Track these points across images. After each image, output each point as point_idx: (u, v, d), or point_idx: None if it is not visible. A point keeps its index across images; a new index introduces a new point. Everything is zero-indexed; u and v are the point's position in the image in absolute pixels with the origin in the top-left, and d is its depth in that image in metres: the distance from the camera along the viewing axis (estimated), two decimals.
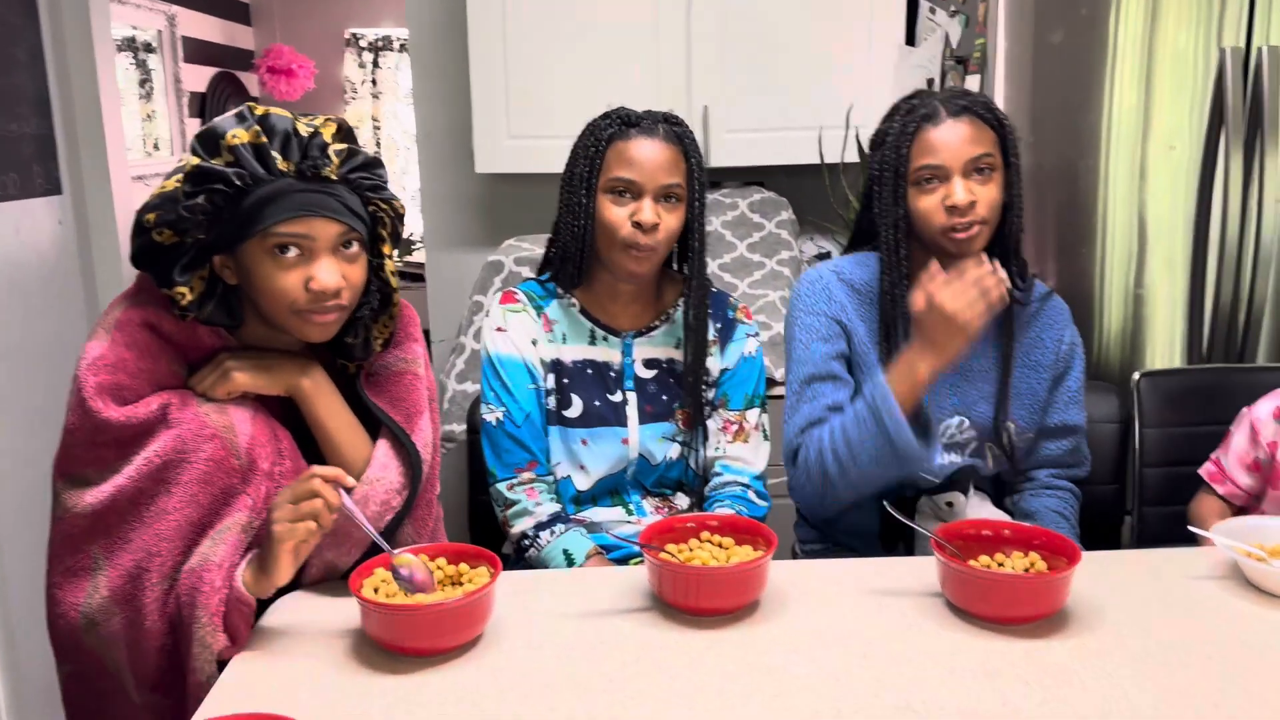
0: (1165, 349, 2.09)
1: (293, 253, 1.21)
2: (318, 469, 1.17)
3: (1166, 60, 1.98)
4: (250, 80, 5.82)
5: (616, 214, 1.54)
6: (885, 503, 1.41)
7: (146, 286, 1.28)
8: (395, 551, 1.22)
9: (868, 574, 1.36)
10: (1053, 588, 1.19)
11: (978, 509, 1.63)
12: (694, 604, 1.23)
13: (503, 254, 2.59)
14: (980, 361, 1.63)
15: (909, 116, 1.52)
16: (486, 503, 1.79)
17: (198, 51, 5.14)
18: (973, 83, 2.21)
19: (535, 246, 2.61)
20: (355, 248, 1.26)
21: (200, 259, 1.23)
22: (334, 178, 1.23)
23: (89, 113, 2.62)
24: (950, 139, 1.49)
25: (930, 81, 2.49)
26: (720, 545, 1.32)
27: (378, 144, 6.39)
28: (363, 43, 6.20)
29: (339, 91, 6.21)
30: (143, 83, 4.58)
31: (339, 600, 1.27)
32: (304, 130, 1.21)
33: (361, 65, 6.32)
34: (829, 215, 2.75)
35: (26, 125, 2.41)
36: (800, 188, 2.83)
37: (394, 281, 1.35)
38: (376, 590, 1.18)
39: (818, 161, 2.60)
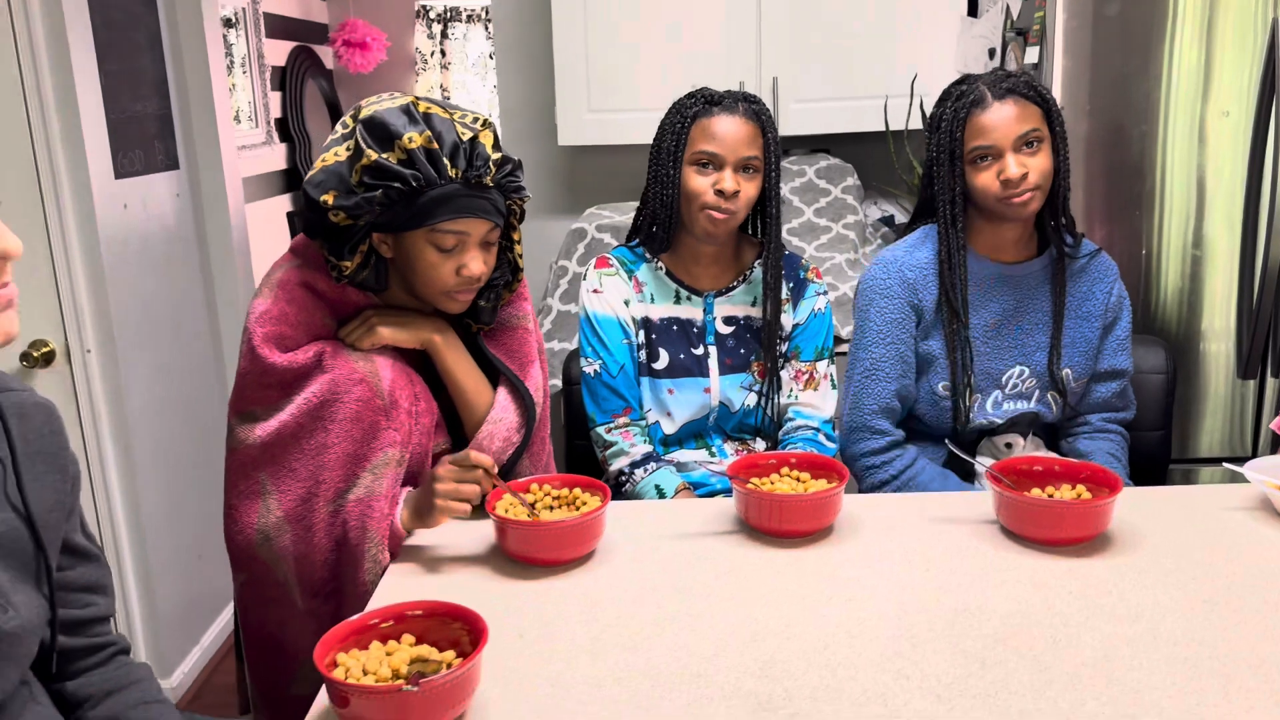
0: (1222, 307, 2.21)
1: (450, 245, 1.41)
2: (480, 457, 1.36)
3: (1227, 28, 2.09)
4: (325, 54, 6.03)
5: (700, 183, 1.71)
6: (948, 442, 1.57)
7: (302, 249, 1.49)
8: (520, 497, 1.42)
9: (930, 505, 1.53)
10: (1096, 512, 1.35)
11: (1034, 452, 1.78)
12: (776, 527, 1.41)
13: (585, 222, 2.77)
14: (1037, 315, 1.77)
15: (959, 103, 1.67)
16: (582, 446, 1.99)
17: (277, 26, 5.36)
18: (1032, 54, 2.32)
19: (615, 214, 2.78)
20: (496, 238, 1.47)
21: (363, 235, 1.42)
22: (490, 184, 1.42)
23: (201, 91, 2.83)
24: (998, 120, 1.64)
25: (991, 52, 2.60)
26: (798, 479, 1.49)
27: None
28: (432, 14, 6.38)
29: (410, 64, 6.40)
30: (225, 56, 4.80)
31: (469, 523, 1.49)
32: (465, 135, 1.38)
33: (431, 36, 6.50)
34: (893, 180, 2.88)
35: (149, 105, 2.63)
36: (865, 154, 2.96)
37: (520, 261, 1.57)
38: (507, 511, 1.38)
39: (882, 129, 2.73)
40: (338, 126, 1.43)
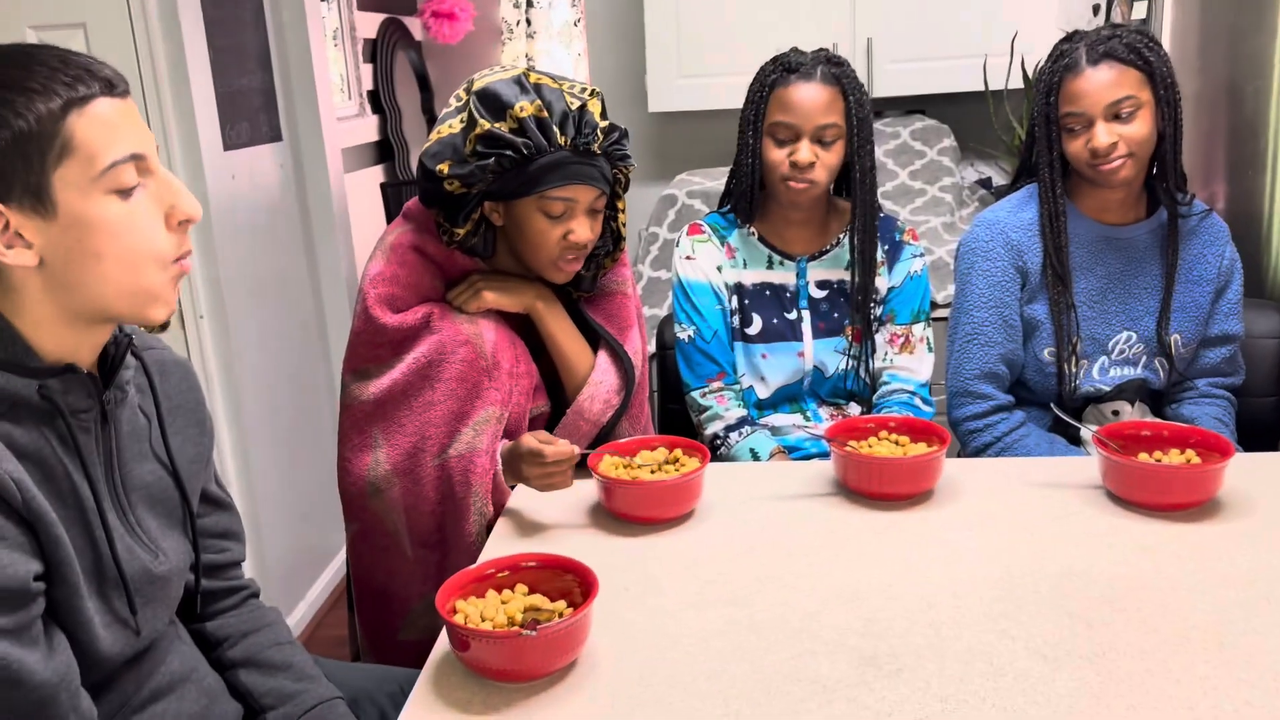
0: None
1: (559, 212, 1.44)
2: (561, 450, 1.36)
3: None
4: (414, 24, 6.12)
5: (777, 155, 1.71)
6: (1053, 406, 1.55)
7: (414, 214, 1.54)
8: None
9: (1034, 470, 1.52)
10: (1206, 477, 1.33)
11: (1140, 418, 1.75)
12: (876, 489, 1.41)
13: (675, 188, 2.78)
14: (1146, 278, 1.73)
15: (1054, 66, 1.64)
16: (676, 410, 2.02)
17: None
18: (1139, 9, 2.24)
19: (706, 180, 2.78)
20: (602, 205, 1.50)
21: (476, 203, 1.47)
22: (598, 152, 1.45)
23: (301, 65, 2.91)
24: (1090, 87, 1.60)
25: (1096, 8, 2.52)
26: (897, 442, 1.49)
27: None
28: None
29: (496, 33, 6.45)
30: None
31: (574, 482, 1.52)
32: (574, 104, 1.43)
33: (516, 5, 6.53)
34: (991, 141, 2.83)
35: (254, 79, 2.71)
36: (962, 115, 2.91)
37: (624, 231, 1.60)
38: (611, 471, 1.41)
39: (980, 89, 2.67)
40: (451, 100, 1.48)
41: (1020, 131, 2.68)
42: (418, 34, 5.70)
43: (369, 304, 1.48)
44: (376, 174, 4.16)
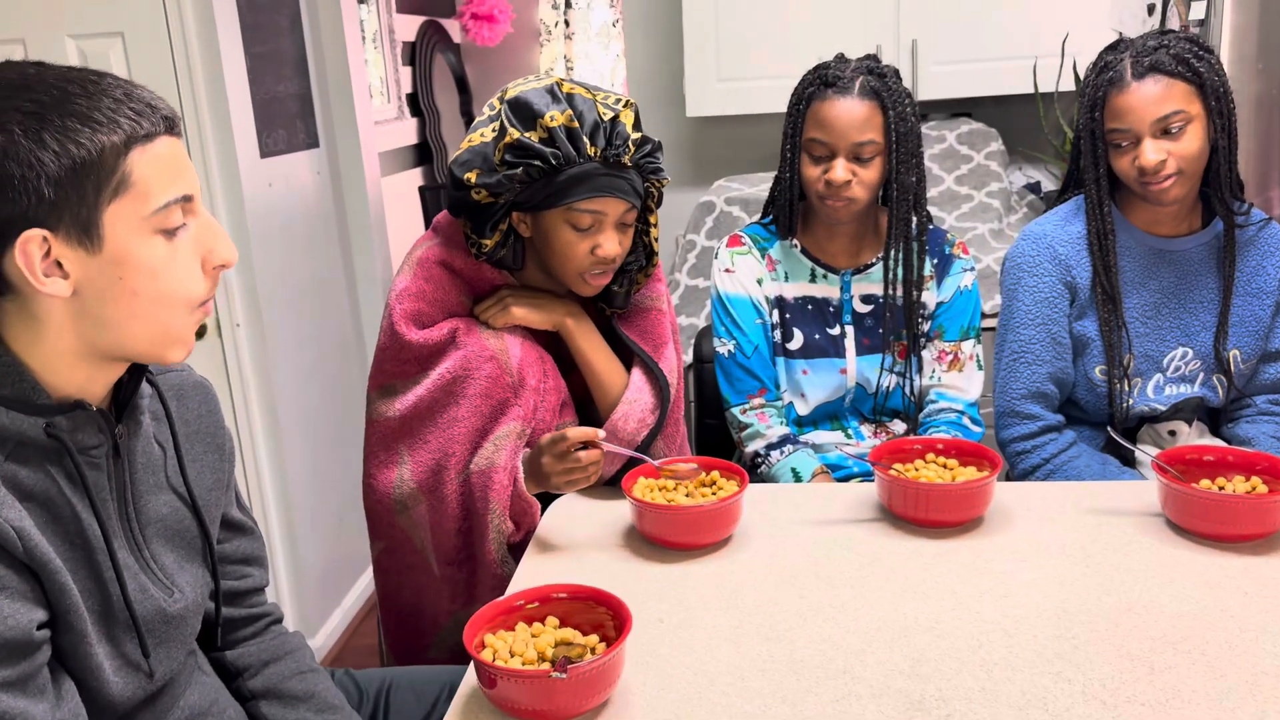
0: None
1: (586, 224, 1.41)
2: (572, 435, 1.34)
3: None
4: (453, 27, 6.12)
5: (813, 171, 1.65)
6: (1110, 429, 1.48)
7: (442, 228, 1.51)
8: (659, 464, 1.40)
9: (1089, 495, 1.45)
10: (1274, 507, 1.25)
11: (1198, 439, 1.67)
12: (924, 516, 1.36)
13: (713, 194, 2.73)
14: (1201, 292, 1.65)
15: (1099, 78, 1.56)
16: (714, 425, 1.97)
17: (406, 1, 5.46)
18: (1198, 9, 2.16)
19: (745, 186, 2.73)
20: (632, 220, 1.46)
21: (504, 214, 1.44)
22: (629, 164, 1.41)
23: (339, 70, 2.90)
24: (1135, 104, 1.52)
25: (1150, 8, 2.44)
26: (945, 466, 1.43)
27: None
28: None
29: (534, 35, 6.43)
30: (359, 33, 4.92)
31: (605, 503, 1.49)
32: (606, 115, 1.39)
33: (555, 6, 6.51)
34: (1040, 145, 2.74)
35: (290, 85, 2.70)
36: (1009, 117, 2.83)
37: (656, 246, 1.55)
38: (645, 495, 1.37)
39: (1029, 91, 2.59)
40: (484, 108, 1.45)
41: (1071, 135, 2.59)
42: (456, 36, 5.70)
43: (395, 320, 1.46)
44: (415, 177, 4.15)
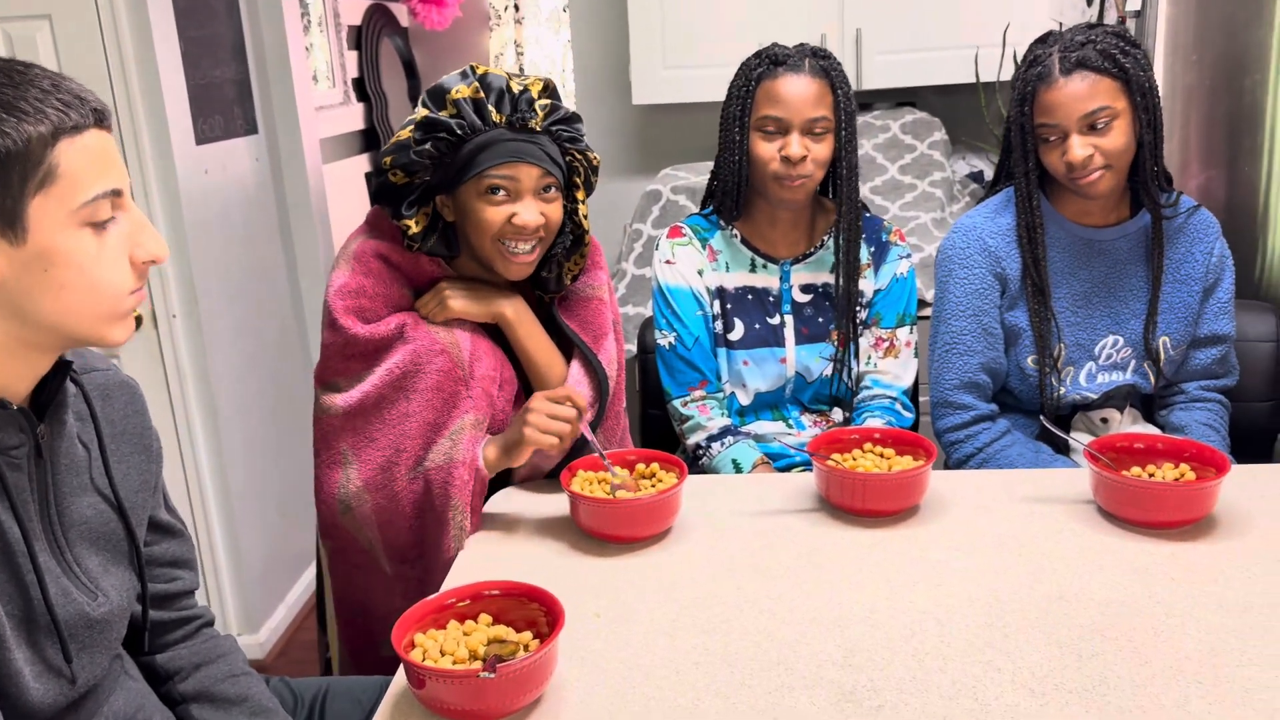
0: None
1: (501, 194, 1.39)
2: (575, 395, 1.37)
3: None
4: (400, 10, 6.03)
5: (766, 149, 1.65)
6: (1043, 418, 1.50)
7: (377, 222, 1.49)
8: (614, 471, 1.39)
9: (1023, 483, 1.47)
10: (1201, 495, 1.28)
11: (1131, 426, 1.70)
12: (860, 506, 1.36)
13: (660, 183, 2.72)
14: (1131, 280, 1.68)
15: (1027, 74, 1.58)
16: (657, 415, 1.96)
17: None
18: (1134, 1, 2.18)
19: (691, 175, 2.72)
20: (553, 191, 1.44)
21: (425, 198, 1.43)
22: (538, 129, 1.40)
23: (278, 54, 2.84)
24: (1063, 99, 1.53)
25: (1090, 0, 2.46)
26: (882, 455, 1.44)
27: (521, 70, 6.53)
28: None
29: (484, 18, 6.36)
30: (301, 16, 4.82)
31: (545, 496, 1.48)
32: (515, 87, 1.39)
33: None
34: (982, 134, 2.77)
35: (228, 71, 2.64)
36: (953, 107, 2.85)
37: (586, 224, 1.52)
38: (583, 488, 1.36)
39: (972, 80, 2.61)
40: (419, 107, 1.44)
41: None
42: (404, 20, 5.62)
43: (336, 315, 1.43)
44: (362, 163, 4.09)
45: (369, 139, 4.16)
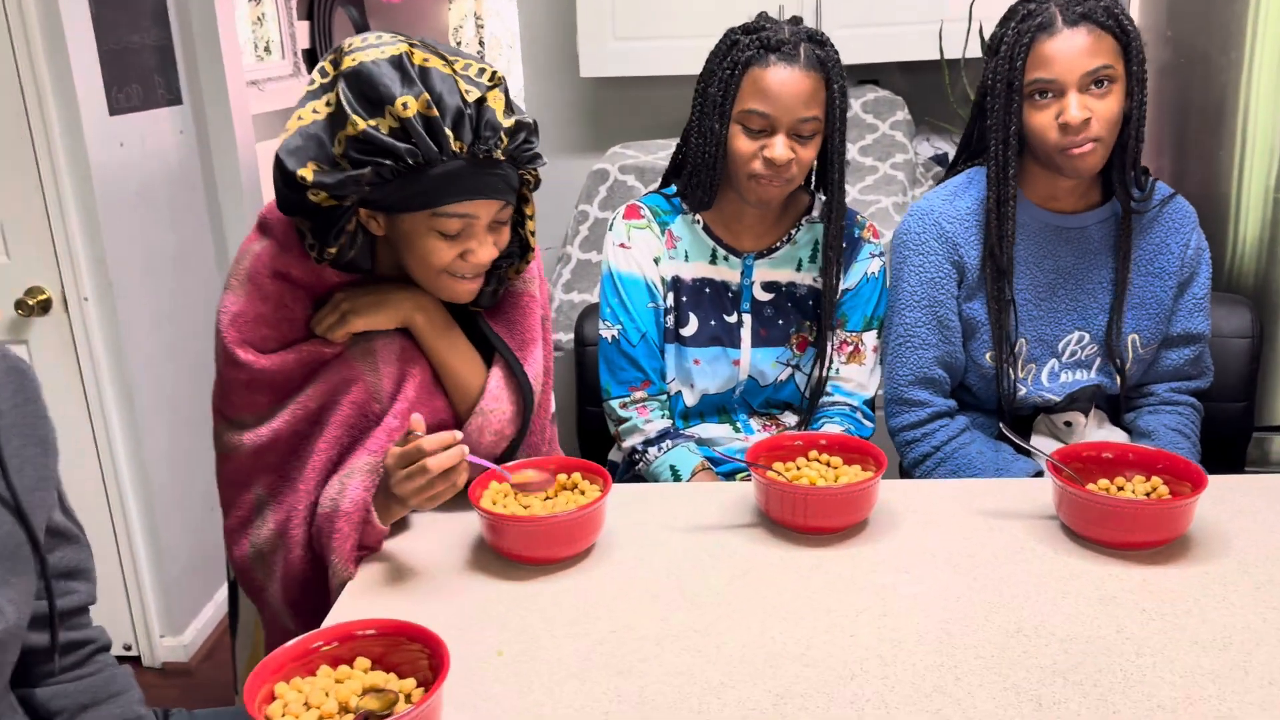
0: None
1: (455, 229, 1.20)
2: (426, 443, 1.12)
3: None
4: None
5: (747, 146, 1.48)
6: (1002, 425, 1.38)
7: (273, 226, 1.28)
8: (512, 478, 1.24)
9: (980, 494, 1.35)
10: (1175, 514, 1.16)
11: (1096, 429, 1.58)
12: (802, 522, 1.23)
13: (608, 162, 2.57)
14: (1099, 272, 1.56)
15: (1024, 24, 1.43)
16: (594, 413, 1.82)
17: None
18: None
19: (641, 154, 2.58)
20: (507, 216, 1.26)
21: (350, 212, 1.20)
22: (501, 158, 1.19)
23: (205, 21, 2.65)
24: (1066, 50, 1.39)
25: None
26: (828, 464, 1.32)
27: (481, 43, 6.33)
28: None
29: None
30: None
31: (456, 513, 1.32)
32: (470, 96, 1.16)
33: None
34: (947, 115, 2.64)
35: (147, 36, 2.46)
36: (917, 85, 2.72)
37: (532, 240, 1.34)
38: (495, 503, 1.22)
39: (936, 57, 2.48)
40: (314, 74, 1.20)
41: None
42: None
43: (231, 346, 1.23)
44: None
45: None
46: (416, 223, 1.20)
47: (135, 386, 2.35)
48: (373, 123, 1.12)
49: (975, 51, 2.46)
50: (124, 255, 2.31)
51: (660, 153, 2.60)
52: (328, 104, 1.16)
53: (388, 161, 1.13)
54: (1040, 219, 1.53)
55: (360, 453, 1.24)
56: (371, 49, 1.16)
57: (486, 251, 1.23)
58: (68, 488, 1.05)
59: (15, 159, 2.15)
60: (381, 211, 1.20)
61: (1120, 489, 1.25)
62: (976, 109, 1.56)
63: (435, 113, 1.13)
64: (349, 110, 1.12)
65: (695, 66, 2.54)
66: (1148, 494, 1.24)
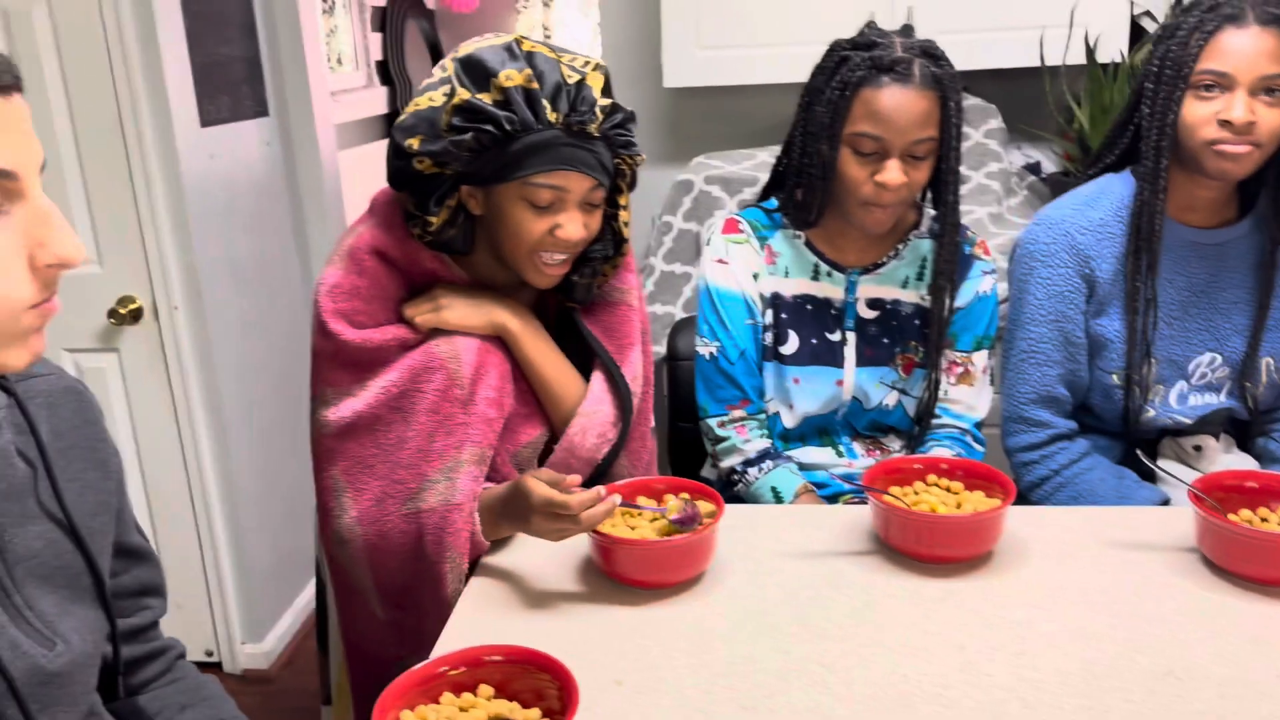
0: None
1: (546, 201, 1.21)
2: (574, 502, 1.08)
3: None
4: None
5: (858, 171, 1.41)
6: (1138, 450, 1.31)
7: (379, 208, 1.31)
8: (665, 510, 1.21)
9: (1109, 524, 1.28)
10: None
11: (1225, 455, 1.50)
12: (926, 552, 1.18)
13: (692, 173, 2.54)
14: (1234, 291, 1.48)
15: (1211, 13, 1.35)
16: (686, 429, 1.79)
17: None
18: None
19: (726, 164, 2.54)
20: (599, 199, 1.26)
21: (452, 187, 1.24)
22: (596, 134, 1.21)
23: (290, 33, 2.68)
24: (1248, 47, 1.32)
25: None
26: (949, 490, 1.26)
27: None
28: None
29: (512, 1, 6.19)
30: None
31: None
32: (571, 78, 1.19)
33: None
34: (1043, 123, 2.56)
35: (235, 49, 2.49)
36: (1010, 93, 2.64)
37: (626, 232, 1.34)
38: (608, 527, 1.18)
39: (1034, 64, 2.40)
40: (435, 70, 1.25)
41: (1079, 115, 2.41)
42: (430, 2, 5.47)
43: (325, 317, 1.25)
44: (383, 149, 3.94)
45: (392, 124, 4.01)
46: (509, 194, 1.22)
47: (222, 394, 2.37)
48: (478, 94, 1.18)
49: (1076, 58, 2.38)
50: (213, 265, 2.33)
51: (745, 163, 2.55)
52: (444, 92, 1.21)
53: (489, 127, 1.17)
54: (1175, 233, 1.46)
55: (453, 442, 1.23)
56: (486, 41, 1.23)
57: (575, 228, 1.23)
58: (155, 496, 1.06)
59: (110, 169, 2.18)
60: (479, 186, 1.23)
61: (1265, 520, 1.18)
62: (1129, 107, 1.47)
63: (536, 86, 1.17)
64: (459, 85, 1.19)
65: (780, 75, 2.50)
66: None
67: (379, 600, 1.28)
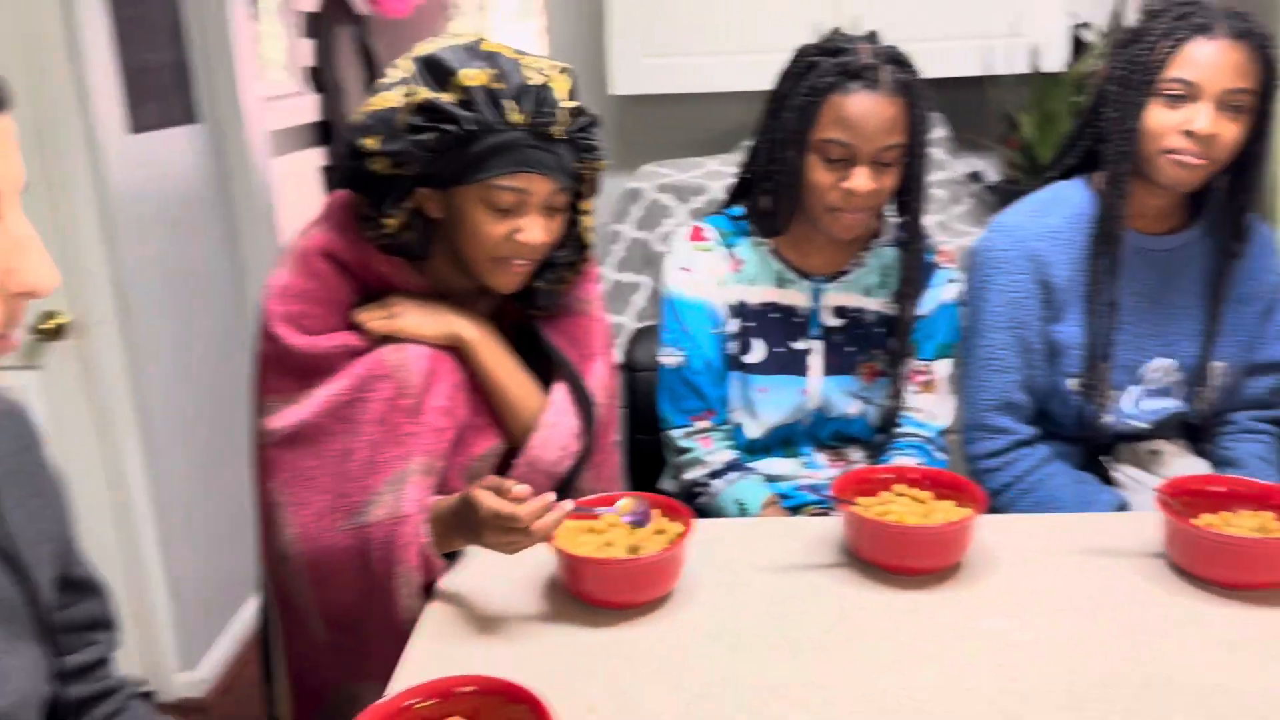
0: None
1: (507, 203, 1.18)
2: (524, 513, 1.04)
3: None
4: None
5: (825, 178, 1.40)
6: (1102, 458, 1.31)
7: (333, 211, 1.26)
8: (616, 510, 1.17)
9: (1073, 530, 1.27)
10: None
11: (1179, 459, 1.52)
12: (897, 563, 1.16)
13: (641, 180, 2.51)
14: (1184, 296, 1.50)
15: (1181, 21, 1.35)
16: (644, 440, 1.75)
17: None
18: None
19: (676, 171, 2.51)
20: (561, 204, 1.23)
21: (408, 189, 1.19)
22: (560, 137, 1.18)
23: (220, 39, 2.59)
24: (1217, 60, 1.33)
25: None
26: (916, 499, 1.24)
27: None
28: None
29: (444, 7, 6.10)
30: (253, 2, 4.56)
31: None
32: (535, 80, 1.16)
33: None
34: (985, 132, 2.59)
35: (164, 54, 2.40)
36: (954, 102, 2.66)
37: (589, 237, 1.31)
38: (570, 543, 1.14)
39: (976, 74, 2.43)
40: (390, 72, 1.21)
41: (1023, 123, 2.44)
42: (362, 8, 5.37)
43: (271, 321, 1.20)
44: (314, 157, 3.84)
45: (323, 132, 3.92)
46: (470, 196, 1.19)
47: (153, 409, 2.27)
48: (439, 93, 1.14)
49: (1020, 67, 2.41)
50: (142, 277, 2.24)
51: (694, 171, 2.53)
52: (402, 92, 1.17)
53: (450, 126, 1.14)
54: (1126, 239, 1.47)
55: (401, 453, 1.18)
56: (446, 40, 1.20)
57: (537, 232, 1.20)
58: (80, 517, 1.00)
59: (31, 180, 2.07)
60: (439, 188, 1.20)
61: (1227, 523, 1.18)
62: (1090, 110, 1.47)
63: (500, 85, 1.14)
64: (418, 84, 1.15)
65: (728, 83, 2.48)
66: (1257, 528, 1.17)
67: (320, 621, 1.23)
